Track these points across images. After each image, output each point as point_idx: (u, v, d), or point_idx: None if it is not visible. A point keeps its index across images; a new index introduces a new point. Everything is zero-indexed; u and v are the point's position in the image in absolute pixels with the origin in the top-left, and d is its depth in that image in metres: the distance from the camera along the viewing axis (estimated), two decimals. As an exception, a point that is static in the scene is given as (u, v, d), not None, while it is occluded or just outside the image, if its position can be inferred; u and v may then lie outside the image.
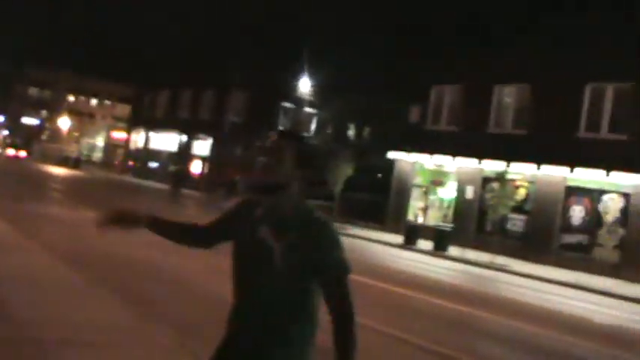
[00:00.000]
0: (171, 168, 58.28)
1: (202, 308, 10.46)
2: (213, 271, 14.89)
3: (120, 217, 3.51)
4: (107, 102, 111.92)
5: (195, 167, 60.16)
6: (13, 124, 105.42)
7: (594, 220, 28.96)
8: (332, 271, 3.08)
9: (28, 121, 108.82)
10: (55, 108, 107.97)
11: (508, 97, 33.67)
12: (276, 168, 3.11)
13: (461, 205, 34.08)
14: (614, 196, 28.40)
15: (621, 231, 28.01)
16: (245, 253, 3.21)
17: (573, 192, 29.78)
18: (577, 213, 29.61)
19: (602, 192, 28.77)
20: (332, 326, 3.05)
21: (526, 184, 31.41)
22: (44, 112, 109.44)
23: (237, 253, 3.26)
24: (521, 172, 31.08)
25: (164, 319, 9.26)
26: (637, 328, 16.62)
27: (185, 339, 8.34)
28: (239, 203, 3.44)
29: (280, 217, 3.13)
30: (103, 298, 10.10)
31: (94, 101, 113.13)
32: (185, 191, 48.64)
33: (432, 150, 34.98)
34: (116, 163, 53.20)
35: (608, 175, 27.67)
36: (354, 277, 3.13)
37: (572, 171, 28.98)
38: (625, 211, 27.97)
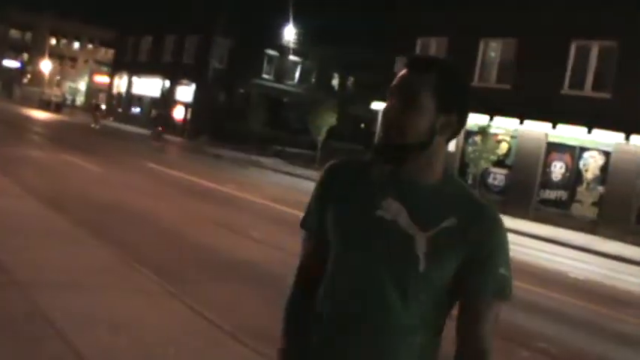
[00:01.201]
0: (153, 113, 58.06)
1: (181, 252, 10.55)
2: (193, 215, 15.01)
3: None
4: (90, 46, 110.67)
5: (178, 113, 59.87)
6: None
7: (574, 176, 29.17)
8: (488, 292, 2.10)
9: (8, 63, 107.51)
10: (36, 51, 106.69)
11: (493, 51, 33.63)
12: (409, 118, 2.08)
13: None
14: (595, 153, 28.58)
15: (600, 188, 28.24)
16: (355, 227, 2.14)
17: (554, 148, 29.93)
18: (557, 169, 29.80)
19: (583, 149, 28.94)
20: None
21: (508, 138, 31.53)
22: (25, 55, 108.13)
23: (339, 221, 2.18)
24: (504, 126, 31.16)
25: (144, 261, 9.33)
26: (609, 283, 16.88)
27: (165, 281, 8.43)
28: (330, 166, 2.32)
29: (420, 190, 2.12)
30: (85, 241, 10.15)
31: (76, 45, 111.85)
32: (168, 137, 48.49)
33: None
34: (97, 113, 52.33)
35: (589, 132, 27.80)
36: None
37: (554, 127, 29.08)
38: (605, 169, 28.17)
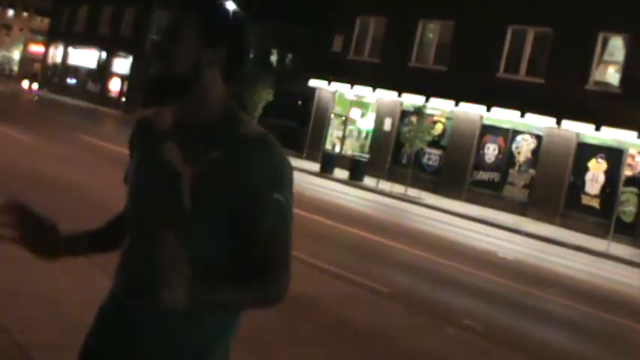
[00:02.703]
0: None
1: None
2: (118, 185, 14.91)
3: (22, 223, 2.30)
4: (25, 13, 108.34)
5: (114, 85, 59.07)
6: None
7: (507, 159, 29.61)
8: (264, 220, 2.06)
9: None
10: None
11: (431, 32, 33.87)
12: (171, 51, 2.11)
13: (378, 136, 34.37)
14: (527, 137, 29.05)
15: (531, 171, 28.73)
16: (141, 179, 2.22)
17: (488, 130, 30.34)
18: (491, 151, 30.22)
19: (516, 132, 29.39)
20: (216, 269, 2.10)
21: (443, 119, 31.85)
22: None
23: (132, 179, 2.25)
24: (440, 107, 31.48)
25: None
26: (536, 263, 17.25)
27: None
28: (138, 120, 2.39)
29: (193, 129, 2.14)
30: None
31: (10, 12, 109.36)
32: (104, 109, 47.90)
33: (352, 80, 35.05)
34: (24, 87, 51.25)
35: (522, 116, 28.24)
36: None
37: (488, 110, 29.47)
38: (536, 152, 28.65)
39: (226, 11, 2.15)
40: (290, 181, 2.11)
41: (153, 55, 2.17)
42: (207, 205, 2.05)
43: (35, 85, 65.19)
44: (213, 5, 2.16)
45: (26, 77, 70.83)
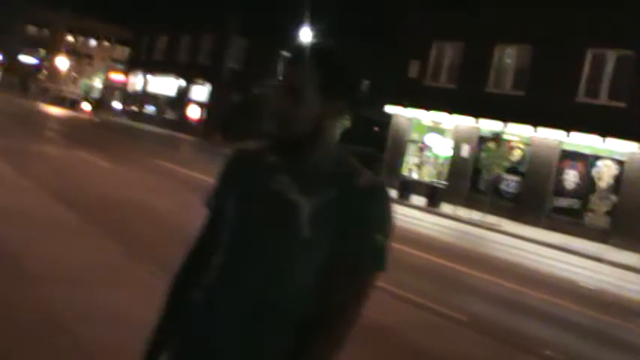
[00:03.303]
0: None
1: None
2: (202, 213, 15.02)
3: None
4: (106, 43, 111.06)
5: (193, 112, 59.97)
6: (10, 62, 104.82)
7: (587, 185, 29.03)
8: (363, 259, 2.13)
9: (25, 59, 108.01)
10: (53, 47, 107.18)
11: (508, 57, 33.53)
12: (294, 110, 2.15)
13: (455, 162, 34.10)
14: (609, 162, 28.44)
15: (613, 198, 28.09)
16: (250, 210, 2.23)
17: (568, 156, 29.81)
18: (570, 177, 29.67)
19: (597, 158, 28.81)
20: (304, 328, 2.14)
21: (522, 145, 31.44)
22: (42, 51, 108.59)
23: (235, 208, 2.27)
24: (518, 133, 31.09)
25: (151, 258, 9.34)
26: (619, 292, 16.80)
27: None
28: (236, 151, 2.45)
29: (308, 165, 2.21)
30: (93, 236, 10.19)
31: (92, 42, 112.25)
32: (182, 136, 48.62)
33: (429, 106, 34.91)
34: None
35: (603, 141, 27.69)
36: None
37: (568, 135, 28.99)
38: (618, 179, 28.03)
39: (346, 62, 2.20)
40: (392, 230, 2.19)
41: (275, 115, 2.21)
42: (319, 238, 2.13)
43: (90, 107, 69.07)
44: (336, 60, 2.21)
45: (87, 100, 73.48)
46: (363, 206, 2.13)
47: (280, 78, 2.21)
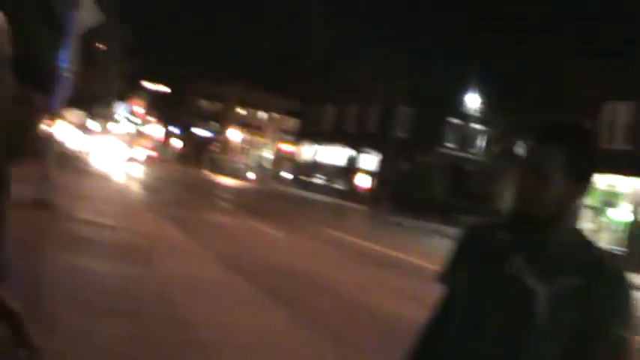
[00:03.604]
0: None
1: (363, 321, 10.60)
2: (376, 285, 15.08)
3: None
4: (275, 115, 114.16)
5: (361, 181, 60.51)
6: (185, 135, 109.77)
7: None
8: (601, 351, 2.07)
9: (198, 132, 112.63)
10: (224, 120, 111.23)
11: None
12: (540, 191, 2.10)
13: (635, 227, 32.84)
14: None
15: None
16: (483, 292, 2.22)
17: None
18: None
19: None
20: None
21: None
22: (213, 124, 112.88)
23: (469, 290, 2.26)
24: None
25: (324, 328, 9.47)
26: None
27: (344, 350, 8.55)
28: (470, 227, 2.45)
29: (545, 246, 2.16)
30: (265, 304, 10.40)
31: (263, 115, 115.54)
32: (351, 205, 49.01)
33: (603, 169, 33.82)
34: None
35: None
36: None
37: None
38: None
39: (594, 142, 2.19)
40: (635, 319, 2.11)
41: (518, 195, 2.16)
42: (554, 327, 2.07)
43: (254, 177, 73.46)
44: (583, 137, 2.16)
45: (253, 170, 77.19)
46: (606, 296, 2.06)
47: (523, 156, 2.16)
